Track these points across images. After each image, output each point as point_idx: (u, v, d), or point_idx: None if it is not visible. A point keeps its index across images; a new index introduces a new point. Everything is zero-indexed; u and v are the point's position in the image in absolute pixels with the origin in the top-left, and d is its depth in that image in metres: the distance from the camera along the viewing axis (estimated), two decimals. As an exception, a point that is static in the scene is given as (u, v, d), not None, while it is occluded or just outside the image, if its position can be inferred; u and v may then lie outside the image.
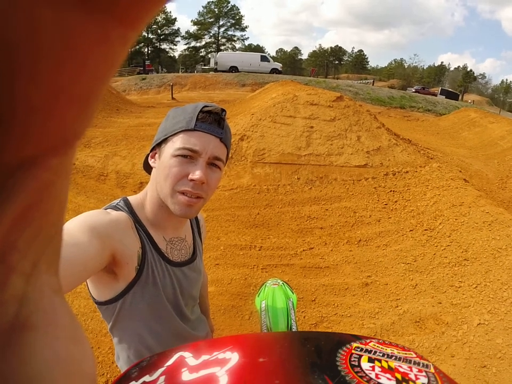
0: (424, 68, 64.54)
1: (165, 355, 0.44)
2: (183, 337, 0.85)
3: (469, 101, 33.12)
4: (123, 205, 0.79)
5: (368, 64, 69.58)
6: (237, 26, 47.20)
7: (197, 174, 0.72)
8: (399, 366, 0.38)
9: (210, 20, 46.39)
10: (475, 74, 57.83)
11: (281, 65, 26.19)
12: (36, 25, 0.09)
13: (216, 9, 45.86)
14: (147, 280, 0.75)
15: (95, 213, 0.69)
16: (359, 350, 0.41)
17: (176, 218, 0.81)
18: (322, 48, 65.20)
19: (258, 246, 3.54)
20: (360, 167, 5.03)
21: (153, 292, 0.77)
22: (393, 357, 0.40)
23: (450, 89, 35.27)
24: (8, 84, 0.09)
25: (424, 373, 0.37)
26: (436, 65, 66.24)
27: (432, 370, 0.38)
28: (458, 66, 63.72)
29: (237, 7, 47.28)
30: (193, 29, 47.85)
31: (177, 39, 45.94)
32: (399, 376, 0.36)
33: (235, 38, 48.18)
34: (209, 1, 45.92)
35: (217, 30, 47.05)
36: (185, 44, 47.34)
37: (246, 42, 53.59)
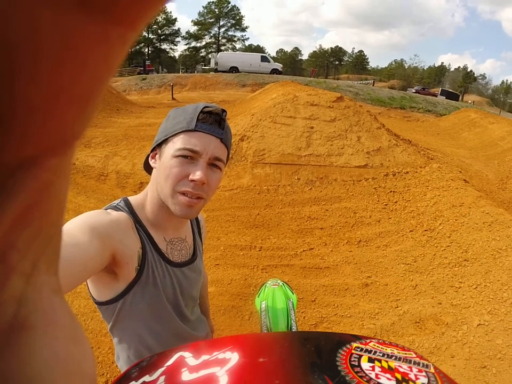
0: (425, 69, 64.57)
1: (165, 355, 0.44)
2: (183, 338, 0.85)
3: (469, 101, 33.13)
4: (123, 205, 0.79)
5: (368, 65, 69.64)
6: (237, 27, 47.23)
7: (197, 175, 0.72)
8: (399, 366, 0.38)
9: (210, 20, 46.41)
10: (475, 75, 57.82)
11: (281, 65, 26.19)
12: (36, 26, 0.09)
13: (216, 10, 45.88)
14: (147, 281, 0.75)
15: (96, 213, 0.69)
16: (359, 350, 0.41)
17: (176, 219, 0.81)
18: (322, 49, 65.27)
19: (258, 247, 3.54)
20: (360, 168, 5.03)
21: (154, 292, 0.77)
22: (393, 357, 0.40)
23: (450, 90, 35.27)
24: (8, 84, 0.09)
25: (424, 373, 0.37)
26: (436, 65, 66.31)
27: (432, 370, 0.38)
28: (459, 67, 63.82)
29: (237, 7, 47.37)
30: (193, 29, 47.96)
31: (177, 39, 46.00)
32: (399, 376, 0.36)
33: (235, 39, 48.27)
34: (210, 2, 45.99)
35: (217, 30, 47.10)
36: (186, 44, 47.39)
37: (246, 43, 53.76)
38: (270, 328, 1.12)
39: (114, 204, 0.78)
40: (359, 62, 65.62)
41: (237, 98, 12.95)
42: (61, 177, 0.13)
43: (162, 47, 45.72)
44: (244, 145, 5.22)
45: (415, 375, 0.37)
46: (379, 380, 0.35)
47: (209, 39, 47.71)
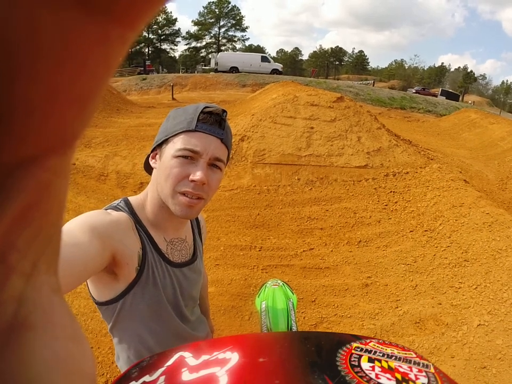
0: (425, 69, 64.54)
1: (165, 355, 0.44)
2: (183, 338, 0.85)
3: (469, 101, 33.11)
4: (123, 205, 0.79)
5: (368, 65, 69.62)
6: (238, 27, 47.24)
7: (197, 175, 0.72)
8: (399, 366, 0.38)
9: (211, 20, 46.42)
10: (475, 75, 57.80)
11: (281, 65, 26.19)
12: (35, 26, 0.09)
13: (216, 10, 45.89)
14: (147, 281, 0.75)
15: (96, 213, 0.69)
16: (359, 350, 0.41)
17: (176, 219, 0.81)
18: (322, 49, 65.27)
19: (258, 247, 3.54)
20: (360, 168, 5.03)
21: (154, 292, 0.77)
22: (393, 357, 0.40)
23: (450, 90, 35.27)
24: (8, 83, 0.09)
25: (424, 373, 0.37)
26: (436, 66, 66.29)
27: (432, 370, 0.38)
28: (459, 67, 63.82)
29: (238, 7, 47.40)
30: (193, 29, 47.96)
31: (177, 39, 46.02)
32: (399, 376, 0.36)
33: (236, 39, 48.29)
34: (210, 2, 46.02)
35: (217, 30, 47.11)
36: (186, 44, 47.40)
37: (247, 43, 53.68)
38: (270, 328, 1.12)
39: (115, 204, 0.78)
40: (359, 62, 65.62)
41: (237, 98, 12.96)
42: (61, 176, 0.13)
43: (163, 47, 45.76)
44: (244, 145, 5.22)
45: (415, 375, 0.37)
46: (379, 380, 0.35)
47: (210, 39, 47.81)
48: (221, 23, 46.74)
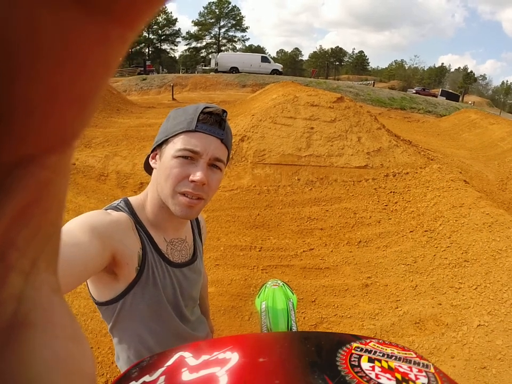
0: (425, 69, 64.50)
1: (165, 355, 0.44)
2: (183, 338, 0.85)
3: (469, 102, 33.11)
4: (123, 205, 0.79)
5: (368, 65, 69.63)
6: (238, 27, 47.27)
7: (197, 175, 0.72)
8: (399, 366, 0.38)
9: (211, 21, 46.45)
10: (475, 76, 57.85)
11: (281, 66, 26.21)
12: (36, 26, 0.09)
13: (217, 10, 45.91)
14: (147, 281, 0.75)
15: (96, 214, 0.69)
16: (359, 350, 0.41)
17: (176, 219, 0.81)
18: (322, 49, 65.29)
19: (258, 247, 3.54)
20: (360, 168, 5.03)
21: (154, 292, 0.77)
22: (393, 357, 0.40)
23: (450, 91, 35.28)
24: (8, 83, 0.09)
25: (424, 373, 0.37)
26: (437, 66, 66.28)
27: (432, 370, 0.38)
28: (459, 68, 63.87)
29: (238, 7, 47.43)
30: (194, 29, 48.04)
31: (178, 39, 46.03)
32: (399, 376, 0.36)
33: (236, 39, 48.33)
34: (210, 2, 46.05)
35: (218, 30, 47.14)
36: (186, 45, 47.42)
37: (247, 43, 53.66)
38: (270, 328, 1.12)
39: (115, 204, 0.78)
40: (359, 63, 65.62)
41: (237, 98, 12.96)
42: (60, 175, 0.13)
43: (163, 47, 45.77)
44: (244, 145, 5.22)
45: (415, 375, 0.37)
46: (379, 380, 0.35)
47: (210, 39, 47.84)
48: (221, 23, 46.79)
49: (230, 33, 47.74)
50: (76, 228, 0.61)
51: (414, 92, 28.43)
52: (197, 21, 46.78)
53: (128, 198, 0.82)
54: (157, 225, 0.80)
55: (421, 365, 0.39)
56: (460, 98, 31.41)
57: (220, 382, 0.36)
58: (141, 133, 6.81)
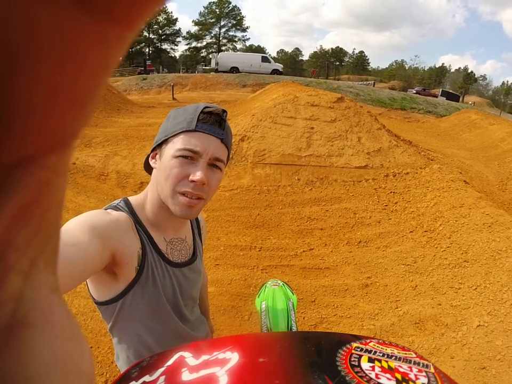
0: (425, 69, 64.48)
1: (165, 355, 0.44)
2: (182, 338, 0.85)
3: (470, 102, 33.13)
4: (123, 205, 0.79)
5: (369, 65, 69.62)
6: (238, 27, 47.28)
7: (197, 175, 0.72)
8: (399, 366, 0.38)
9: (211, 21, 46.44)
10: (476, 76, 57.80)
11: (282, 66, 26.19)
12: (35, 26, 0.09)
13: (217, 10, 45.92)
14: (147, 281, 0.75)
15: (96, 213, 0.69)
16: (359, 350, 0.41)
17: (176, 219, 0.81)
18: (323, 49, 65.27)
19: (258, 247, 3.54)
20: (360, 168, 5.03)
21: (153, 292, 0.77)
22: (393, 357, 0.40)
23: (451, 91, 35.26)
24: (8, 83, 0.09)
25: (424, 373, 0.37)
26: (437, 66, 66.23)
27: (432, 370, 0.38)
28: (459, 68, 63.85)
29: (238, 7, 47.42)
30: (194, 29, 48.02)
31: (178, 39, 46.01)
32: (399, 376, 0.36)
33: (236, 39, 48.32)
34: (211, 2, 46.06)
35: (218, 30, 47.14)
36: (186, 44, 47.41)
37: (247, 43, 53.63)
38: (270, 328, 1.12)
39: (114, 204, 0.78)
40: (359, 63, 65.62)
41: (237, 98, 12.96)
42: (60, 175, 0.13)
43: (163, 47, 45.75)
44: (244, 145, 5.22)
45: (415, 375, 0.37)
46: (379, 380, 0.35)
47: (210, 39, 47.83)
48: (222, 23, 46.79)
49: (231, 33, 47.83)
50: (75, 228, 0.61)
51: (414, 92, 28.44)
52: (197, 20, 46.81)
53: (128, 197, 0.82)
54: (156, 225, 0.80)
55: (421, 365, 0.39)
56: (460, 99, 31.41)
57: (220, 382, 0.36)
58: (141, 132, 6.82)
